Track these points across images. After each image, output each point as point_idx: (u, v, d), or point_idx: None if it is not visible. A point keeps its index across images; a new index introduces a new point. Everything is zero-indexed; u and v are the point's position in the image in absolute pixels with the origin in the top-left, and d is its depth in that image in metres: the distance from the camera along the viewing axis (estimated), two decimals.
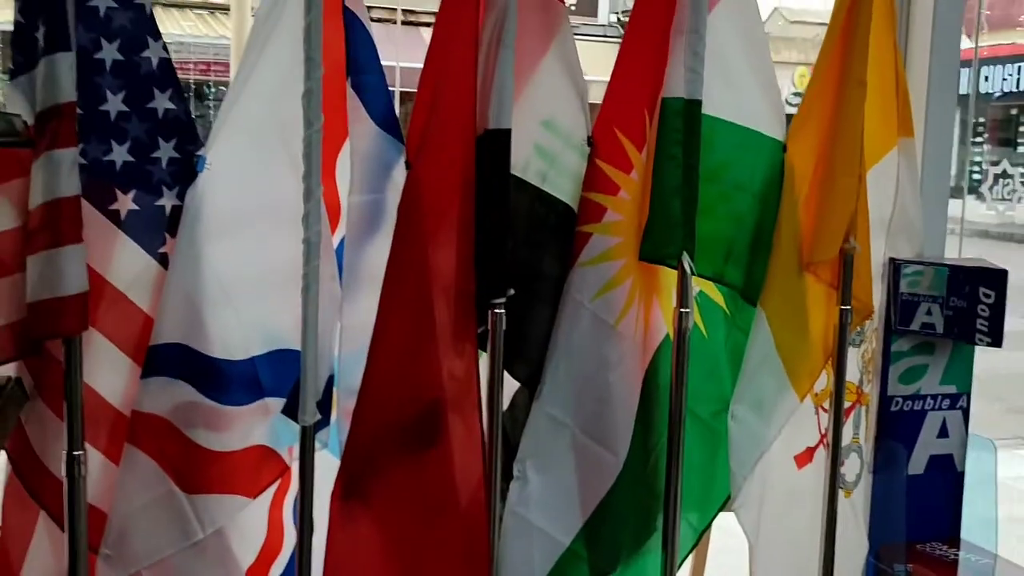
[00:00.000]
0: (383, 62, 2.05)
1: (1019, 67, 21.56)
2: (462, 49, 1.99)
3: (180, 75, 1.94)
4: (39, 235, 1.74)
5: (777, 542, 2.38)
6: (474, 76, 2.00)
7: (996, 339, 2.40)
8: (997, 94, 22.36)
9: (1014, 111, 22.77)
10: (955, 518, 2.62)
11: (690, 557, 3.02)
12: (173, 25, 11.63)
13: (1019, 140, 22.83)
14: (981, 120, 23.46)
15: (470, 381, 2.05)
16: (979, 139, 23.41)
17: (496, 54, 2.00)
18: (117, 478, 1.90)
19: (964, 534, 2.62)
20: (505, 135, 2.01)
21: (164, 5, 12.18)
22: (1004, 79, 22.13)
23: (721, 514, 2.41)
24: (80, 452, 1.81)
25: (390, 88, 2.10)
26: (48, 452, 1.88)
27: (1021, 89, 21.61)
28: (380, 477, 2.01)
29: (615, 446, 2.18)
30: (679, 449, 2.19)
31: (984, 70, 22.44)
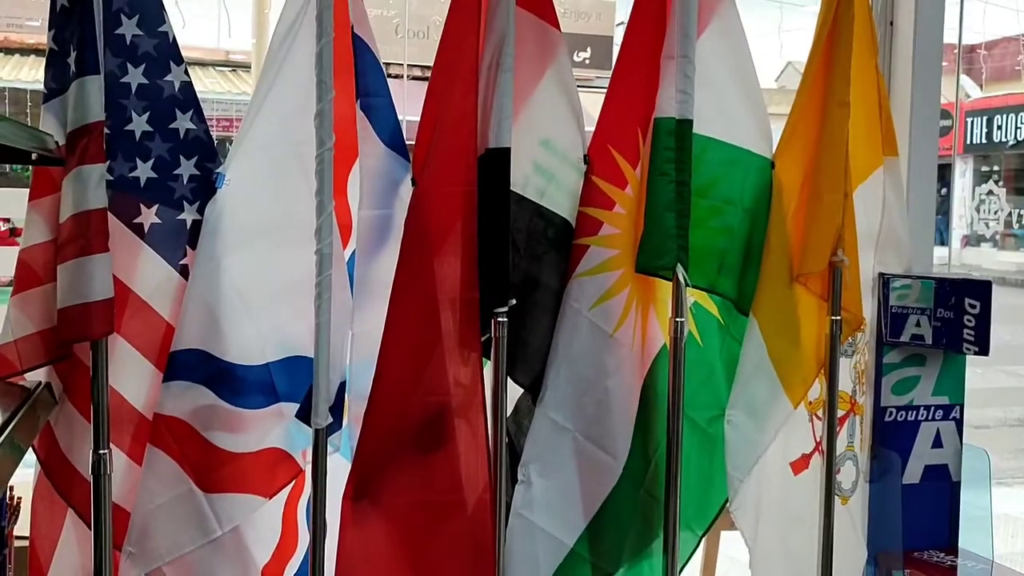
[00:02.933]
0: None
1: None
2: (464, 73, 2.12)
3: None
4: (69, 245, 1.87)
5: (775, 546, 2.45)
6: (475, 98, 2.13)
7: (983, 348, 2.48)
8: (1011, 143, 22.48)
9: None
10: (952, 527, 2.67)
11: (699, 567, 3.11)
12: (195, 82, 11.88)
13: None
14: (996, 169, 23.58)
15: (475, 387, 2.14)
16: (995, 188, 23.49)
17: (496, 77, 2.13)
18: (140, 477, 2.00)
19: (961, 543, 2.67)
20: (505, 153, 2.13)
21: (187, 64, 12.43)
22: (1018, 127, 22.26)
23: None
24: (105, 451, 1.92)
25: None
26: (75, 452, 2.00)
27: None
28: (389, 479, 2.10)
29: (615, 449, 2.27)
30: (677, 453, 2.27)
31: (997, 119, 22.61)
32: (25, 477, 2.05)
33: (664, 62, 2.25)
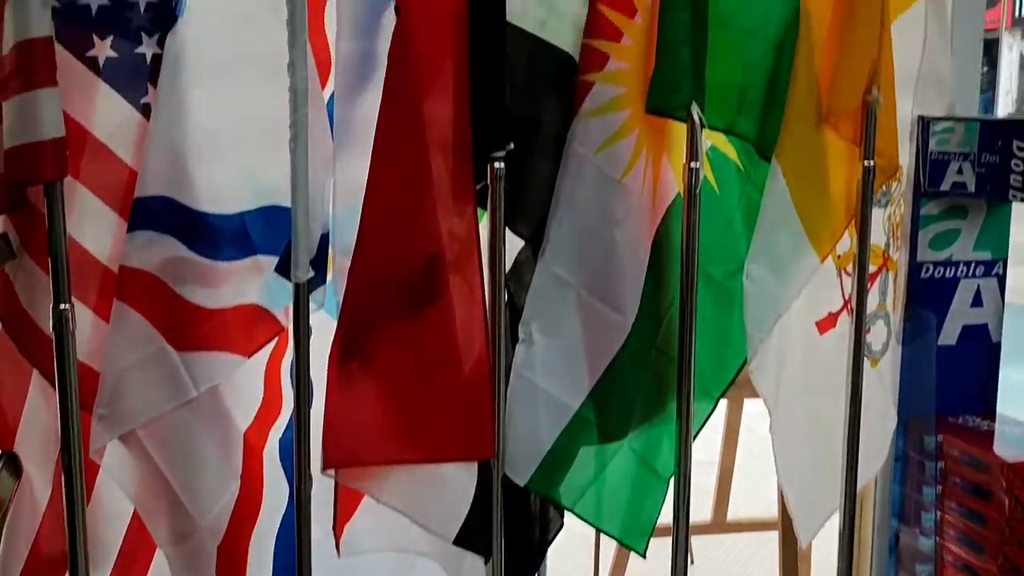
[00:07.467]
0: None
1: None
2: None
3: None
4: (13, 79, 1.69)
5: (798, 409, 2.29)
6: None
7: None
8: None
9: None
10: (990, 391, 2.51)
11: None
12: None
13: None
14: None
15: (471, 239, 1.98)
16: None
17: None
18: (107, 335, 1.87)
19: (999, 409, 2.51)
20: None
21: None
22: None
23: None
24: (67, 306, 1.78)
25: None
26: (37, 308, 1.86)
27: None
28: (380, 336, 1.95)
29: (623, 306, 2.11)
30: (692, 310, 2.11)
31: None
32: None
33: None
